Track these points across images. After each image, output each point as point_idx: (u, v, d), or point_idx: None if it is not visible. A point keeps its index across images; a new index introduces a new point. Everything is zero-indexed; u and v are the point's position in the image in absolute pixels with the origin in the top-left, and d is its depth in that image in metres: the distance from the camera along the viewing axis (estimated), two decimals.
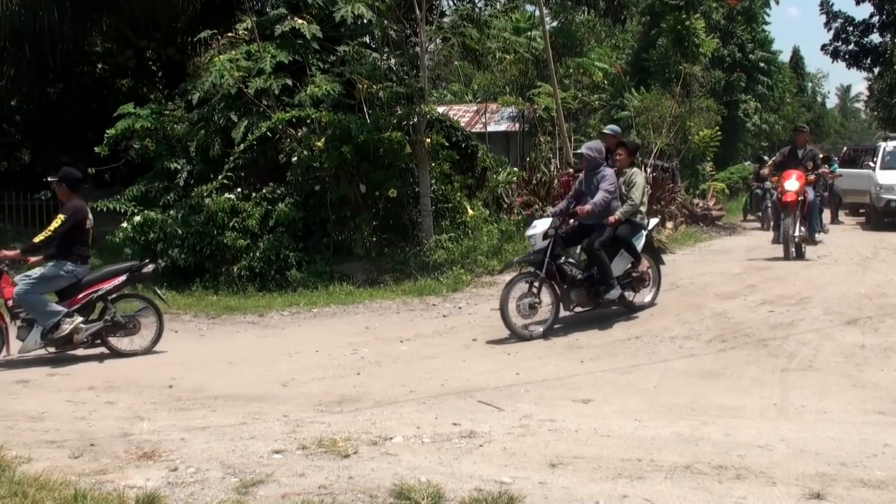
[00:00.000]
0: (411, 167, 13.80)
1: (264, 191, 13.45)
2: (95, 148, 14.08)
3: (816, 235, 14.46)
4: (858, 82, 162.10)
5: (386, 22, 14.00)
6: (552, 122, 18.71)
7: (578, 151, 9.81)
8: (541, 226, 9.11)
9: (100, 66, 20.34)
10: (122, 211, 13.69)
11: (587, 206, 9.08)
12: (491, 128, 22.73)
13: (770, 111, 40.47)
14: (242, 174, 13.70)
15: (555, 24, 21.32)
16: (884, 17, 33.63)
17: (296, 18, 14.20)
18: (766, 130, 39.39)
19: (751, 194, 22.49)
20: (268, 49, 14.07)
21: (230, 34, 14.48)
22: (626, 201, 9.45)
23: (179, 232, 13.18)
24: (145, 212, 13.51)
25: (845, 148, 29.16)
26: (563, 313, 9.30)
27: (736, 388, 6.73)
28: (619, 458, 5.04)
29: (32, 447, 5.58)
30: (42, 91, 18.55)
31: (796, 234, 13.13)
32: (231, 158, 13.64)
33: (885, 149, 20.68)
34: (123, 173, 16.14)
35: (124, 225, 13.43)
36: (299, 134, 13.65)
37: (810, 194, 13.25)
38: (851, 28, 34.62)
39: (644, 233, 9.75)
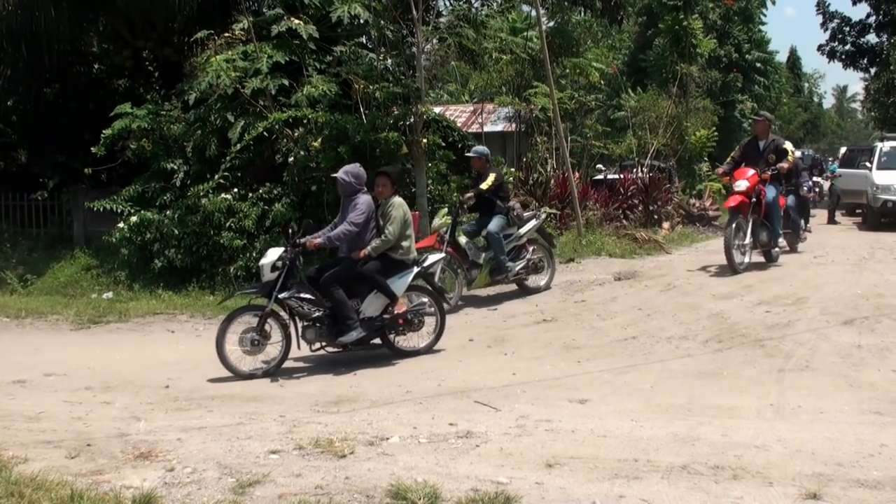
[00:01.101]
0: (408, 167, 13.79)
1: (261, 191, 13.44)
2: (92, 148, 14.06)
3: (798, 235, 14.21)
4: (855, 82, 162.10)
5: (382, 22, 13.99)
6: (549, 123, 18.69)
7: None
8: (271, 255, 8.23)
9: (96, 66, 20.28)
10: (119, 211, 13.69)
11: (317, 240, 8.39)
12: (487, 128, 22.72)
13: (767, 111, 40.51)
14: (239, 174, 13.69)
15: (551, 24, 21.29)
16: (880, 17, 33.67)
17: (292, 19, 14.18)
18: None
19: None
20: (264, 49, 14.06)
21: (227, 34, 14.45)
22: (381, 235, 8.39)
23: (176, 232, 13.17)
24: (142, 212, 13.50)
25: (844, 148, 29.20)
26: (318, 351, 8.41)
27: (732, 388, 6.74)
28: (616, 459, 5.04)
29: (29, 447, 5.57)
30: (39, 91, 18.49)
31: (746, 241, 11.71)
32: (227, 159, 13.62)
33: (881, 149, 20.72)
34: (120, 173, 16.10)
35: (121, 225, 13.44)
36: (296, 134, 13.64)
37: (769, 193, 11.94)
38: (848, 28, 34.66)
39: (411, 272, 8.59)
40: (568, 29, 21.36)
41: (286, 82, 13.94)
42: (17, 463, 5.18)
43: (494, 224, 11.00)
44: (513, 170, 17.52)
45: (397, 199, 8.55)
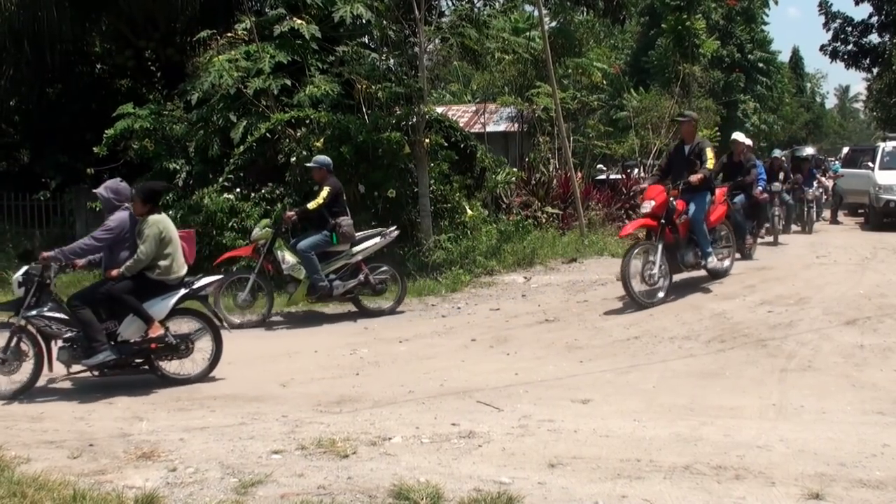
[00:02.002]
0: (410, 167, 13.79)
1: (263, 191, 13.43)
2: (94, 148, 14.07)
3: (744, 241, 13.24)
4: (857, 82, 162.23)
5: (385, 22, 13.99)
6: (551, 123, 18.69)
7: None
8: (20, 271, 7.69)
9: (99, 66, 20.31)
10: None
11: (48, 253, 7.65)
12: (490, 128, 22.71)
13: (769, 111, 40.56)
14: (241, 174, 13.68)
15: (554, 24, 21.28)
16: (882, 17, 33.66)
17: (295, 19, 14.18)
18: (765, 130, 39.45)
19: None
20: (267, 49, 14.06)
21: (229, 34, 14.46)
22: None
23: None
24: None
25: (847, 148, 29.16)
26: (82, 373, 7.76)
27: (735, 388, 6.74)
28: (618, 459, 5.04)
29: (31, 447, 5.58)
30: (41, 91, 18.52)
31: (654, 271, 9.96)
32: (230, 159, 13.62)
33: (883, 149, 20.70)
34: (122, 174, 16.03)
35: None
36: (298, 134, 13.64)
37: (691, 207, 10.40)
38: (850, 28, 34.64)
39: (176, 294, 7.98)
40: (570, 29, 21.35)
41: (288, 82, 13.94)
42: (20, 463, 5.19)
43: (307, 241, 10.57)
44: (515, 170, 17.51)
45: (153, 218, 7.83)
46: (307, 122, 13.60)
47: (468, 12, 15.04)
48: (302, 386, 7.42)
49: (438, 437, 5.59)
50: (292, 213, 10.88)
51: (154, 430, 6.00)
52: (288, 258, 10.65)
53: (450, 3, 17.30)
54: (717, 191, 11.18)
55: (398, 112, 13.86)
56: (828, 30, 35.10)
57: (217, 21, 15.60)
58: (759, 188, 14.31)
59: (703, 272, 11.07)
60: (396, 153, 13.27)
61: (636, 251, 10.00)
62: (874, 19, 34.13)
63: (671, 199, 10.14)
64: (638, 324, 9.32)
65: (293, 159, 13.41)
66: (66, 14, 16.11)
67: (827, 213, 22.02)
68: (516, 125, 22.38)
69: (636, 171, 20.46)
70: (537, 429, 5.72)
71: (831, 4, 34.79)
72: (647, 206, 10.08)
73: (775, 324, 8.89)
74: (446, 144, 14.53)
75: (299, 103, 13.80)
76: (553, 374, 7.41)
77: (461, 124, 18.41)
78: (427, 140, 13.54)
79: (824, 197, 21.96)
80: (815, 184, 19.44)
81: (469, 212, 14.30)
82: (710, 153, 10.37)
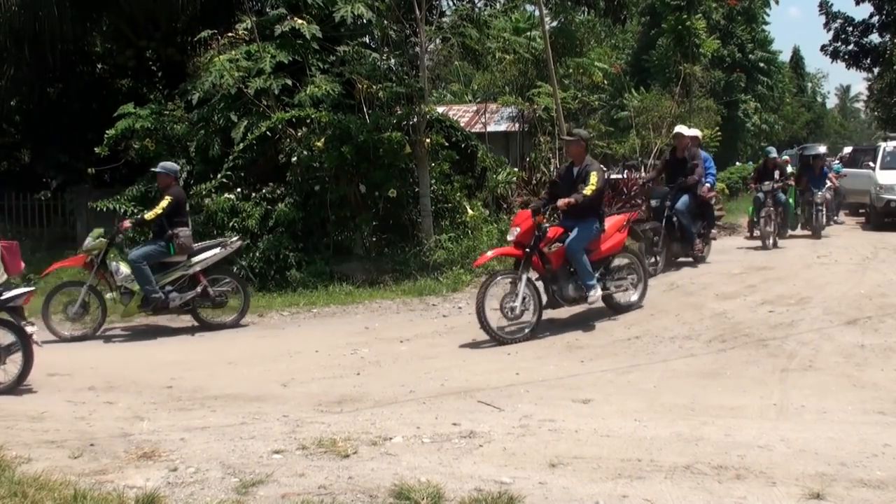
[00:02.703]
0: (411, 167, 13.80)
1: (264, 191, 13.44)
2: (95, 148, 14.09)
3: (692, 245, 12.60)
4: (858, 82, 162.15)
5: (386, 22, 14.00)
6: (552, 122, 18.69)
7: None
8: None
9: (99, 66, 20.32)
10: (123, 211, 13.68)
11: None
12: (491, 128, 22.74)
13: (770, 111, 40.57)
14: (242, 174, 13.69)
15: (554, 24, 21.29)
16: (883, 17, 33.64)
17: (295, 18, 14.20)
18: (765, 130, 39.46)
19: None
20: (268, 49, 14.07)
21: (230, 34, 14.48)
22: None
23: None
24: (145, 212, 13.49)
25: (848, 148, 29.14)
26: None
27: (736, 388, 6.74)
28: (619, 459, 5.04)
29: (32, 447, 5.57)
30: (42, 91, 18.54)
31: (516, 304, 8.84)
32: (231, 158, 13.62)
33: (884, 149, 20.68)
34: (123, 173, 16.14)
35: None
36: (299, 134, 13.65)
37: (573, 234, 9.25)
38: (851, 28, 34.62)
39: None
40: (571, 29, 21.36)
41: (289, 82, 13.95)
42: (21, 463, 5.19)
43: (139, 251, 10.29)
44: (516, 170, 17.51)
45: None
46: (308, 121, 13.61)
47: (469, 12, 15.05)
48: (303, 386, 7.41)
49: (439, 436, 5.59)
50: (128, 222, 10.63)
51: (155, 430, 6.00)
52: (122, 269, 10.25)
53: (451, 3, 17.33)
54: (616, 218, 10.09)
55: (399, 112, 13.87)
56: (828, 30, 35.11)
57: (218, 21, 15.61)
58: (707, 184, 12.95)
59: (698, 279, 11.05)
60: (397, 153, 13.27)
61: (496, 281, 9.02)
62: (875, 19, 34.12)
63: (539, 224, 9.10)
64: (639, 323, 9.32)
65: (294, 159, 13.43)
66: (67, 14, 16.11)
67: (841, 216, 21.04)
68: (517, 125, 22.42)
69: (635, 171, 20.43)
70: (538, 428, 5.71)
71: (832, 4, 34.80)
72: (512, 234, 9.15)
73: (776, 323, 8.89)
74: (447, 144, 14.54)
75: (300, 103, 13.81)
76: (554, 374, 7.41)
77: (462, 124, 18.44)
78: (428, 140, 13.56)
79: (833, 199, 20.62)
80: (825, 185, 17.93)
81: (470, 211, 14.30)
82: (594, 177, 9.14)
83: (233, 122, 13.87)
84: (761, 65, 38.20)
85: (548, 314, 9.38)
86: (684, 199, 12.45)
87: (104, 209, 13.84)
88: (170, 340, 10.15)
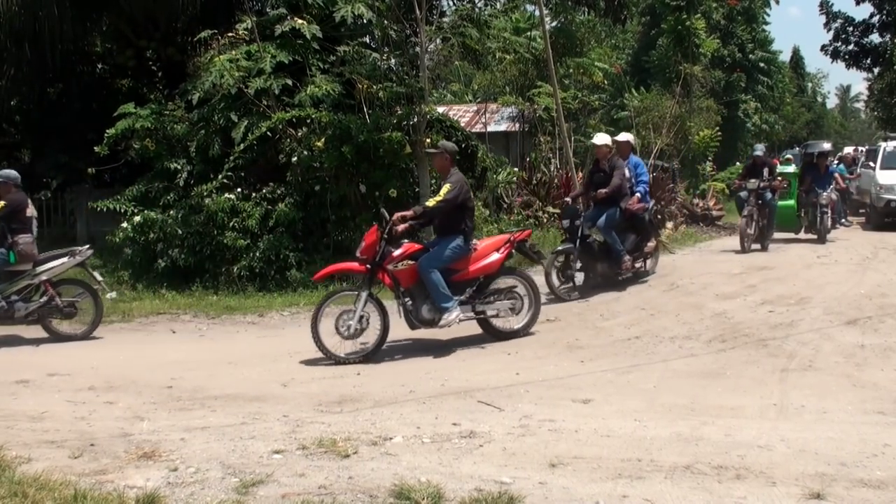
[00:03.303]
0: (411, 167, 13.80)
1: (264, 191, 13.45)
2: (95, 148, 14.07)
3: (620, 262, 11.31)
4: (858, 82, 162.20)
5: (386, 22, 14.00)
6: (552, 122, 18.73)
7: None
8: None
9: (100, 65, 20.31)
10: (122, 211, 13.69)
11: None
12: (491, 128, 22.74)
13: (770, 111, 40.54)
14: (242, 174, 13.69)
15: (555, 23, 21.31)
16: (884, 16, 33.64)
17: (296, 18, 14.19)
18: (766, 130, 39.45)
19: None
20: (268, 49, 14.06)
21: (230, 34, 14.47)
22: None
23: (179, 232, 13.18)
24: (145, 212, 13.50)
25: (849, 148, 29.11)
26: None
27: (736, 388, 6.74)
28: (619, 459, 5.04)
29: (32, 447, 5.57)
30: (42, 91, 18.53)
31: (352, 321, 8.43)
32: (231, 158, 13.62)
33: (885, 149, 20.69)
34: (123, 173, 16.13)
35: (124, 225, 13.44)
36: (299, 134, 13.65)
37: (430, 253, 8.73)
38: (851, 28, 34.64)
39: None
40: (571, 29, 21.39)
41: (289, 82, 13.94)
42: (21, 463, 5.18)
43: None
44: (516, 170, 17.52)
45: None
46: (308, 121, 13.61)
47: (469, 12, 15.05)
48: (303, 385, 7.42)
49: (439, 436, 5.59)
50: None
51: (155, 430, 6.00)
52: None
53: (451, 3, 17.33)
54: (498, 237, 9.47)
55: (399, 112, 13.87)
56: (829, 30, 35.14)
57: (218, 21, 15.60)
58: (638, 194, 11.79)
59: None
60: (397, 153, 13.28)
61: (336, 297, 8.95)
62: (875, 19, 34.13)
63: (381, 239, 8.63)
64: (639, 323, 9.32)
65: (294, 159, 13.43)
66: (67, 14, 16.10)
67: (850, 219, 19.98)
68: (517, 125, 22.43)
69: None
70: (538, 428, 5.71)
71: (832, 4, 34.83)
72: (359, 248, 8.78)
73: (776, 323, 8.89)
74: None
75: (300, 103, 13.80)
76: (554, 374, 7.41)
77: (462, 124, 18.44)
78: (428, 140, 13.55)
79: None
80: (831, 185, 16.82)
81: None
82: (444, 189, 8.64)
83: (233, 122, 13.87)
84: (761, 65, 38.15)
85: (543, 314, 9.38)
86: (609, 214, 11.21)
87: (104, 209, 13.84)
88: (170, 340, 10.15)
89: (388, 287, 8.84)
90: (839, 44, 34.90)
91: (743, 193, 15.25)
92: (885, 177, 19.25)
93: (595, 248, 11.28)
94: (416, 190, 13.67)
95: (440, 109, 18.11)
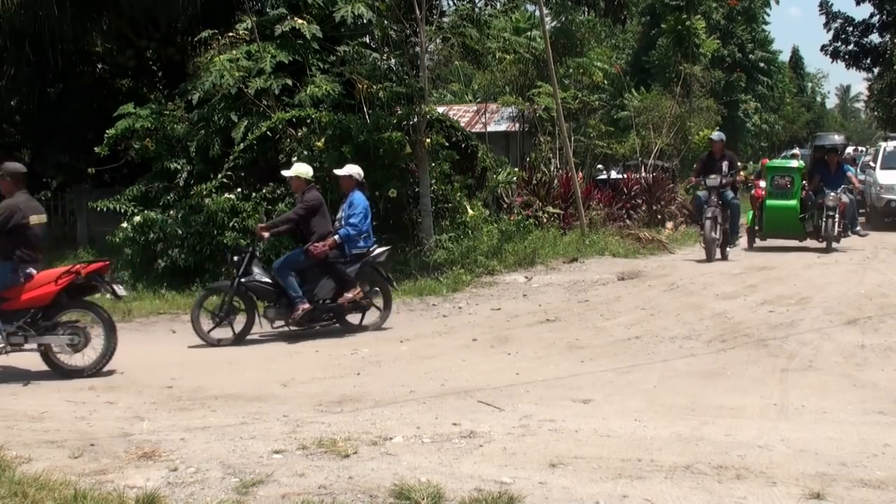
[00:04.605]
0: (411, 167, 13.80)
1: (264, 191, 13.43)
2: (95, 148, 14.06)
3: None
4: (858, 82, 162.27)
5: (386, 22, 14.00)
6: (552, 122, 18.71)
7: None
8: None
9: (100, 65, 20.29)
10: (122, 211, 13.68)
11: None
12: (491, 128, 22.71)
13: (770, 111, 40.58)
14: (242, 174, 13.68)
15: (555, 24, 21.28)
16: (884, 16, 33.60)
17: (296, 18, 14.18)
18: (766, 130, 39.47)
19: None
20: (268, 49, 14.05)
21: (230, 34, 14.45)
22: None
23: (179, 232, 13.17)
24: (145, 212, 13.49)
25: (850, 148, 29.08)
26: None
27: (736, 388, 6.74)
28: (620, 459, 5.04)
29: (32, 447, 5.57)
30: (42, 91, 18.51)
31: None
32: (231, 158, 13.61)
33: (884, 149, 20.69)
34: (123, 173, 16.12)
35: (124, 225, 13.42)
36: (299, 134, 13.64)
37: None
38: (851, 28, 34.58)
39: None
40: (571, 28, 21.35)
41: (290, 82, 13.94)
42: (21, 463, 5.19)
43: None
44: (516, 169, 17.52)
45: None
46: (308, 121, 13.60)
47: (469, 12, 15.04)
48: (303, 385, 7.42)
49: (439, 436, 5.59)
50: None
51: (155, 430, 6.00)
52: None
53: (451, 3, 17.31)
54: (54, 270, 8.38)
55: (399, 112, 13.86)
56: (828, 30, 35.06)
57: (218, 21, 15.60)
58: (336, 238, 9.84)
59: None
60: (397, 153, 13.27)
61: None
62: (875, 19, 34.07)
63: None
64: (639, 323, 9.33)
65: (294, 159, 13.42)
66: (67, 14, 16.09)
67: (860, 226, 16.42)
68: (517, 125, 22.40)
69: (635, 172, 20.45)
70: (538, 428, 5.71)
71: (832, 4, 34.76)
72: None
73: (776, 323, 8.90)
74: (447, 144, 14.52)
75: (300, 103, 13.80)
76: (554, 374, 7.41)
77: (462, 124, 18.42)
78: (428, 140, 13.55)
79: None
80: (842, 186, 14.87)
81: (470, 211, 14.30)
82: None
83: (233, 122, 13.86)
84: (761, 65, 38.20)
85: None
86: (291, 253, 10.28)
87: (104, 209, 13.84)
88: (170, 341, 10.14)
89: None
90: (839, 44, 34.85)
91: (702, 192, 13.82)
92: (885, 177, 19.26)
93: (261, 288, 9.83)
94: (416, 190, 13.67)
95: (440, 109, 18.10)
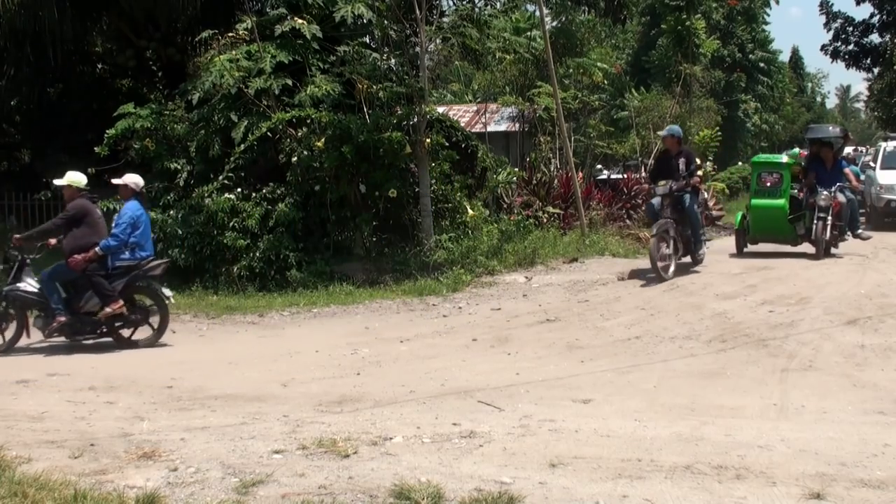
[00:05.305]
0: (411, 167, 13.80)
1: (264, 191, 13.44)
2: (95, 148, 14.04)
3: None
4: (858, 82, 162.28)
5: (386, 22, 14.00)
6: (552, 122, 18.71)
7: None
8: None
9: (100, 65, 20.31)
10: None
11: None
12: (491, 128, 22.72)
13: (770, 111, 40.58)
14: (242, 174, 13.68)
15: (555, 24, 21.30)
16: (884, 16, 33.59)
17: (296, 18, 14.18)
18: (766, 130, 39.48)
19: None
20: (268, 49, 14.05)
21: (230, 34, 14.45)
22: None
23: (179, 232, 13.17)
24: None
25: (850, 148, 29.05)
26: None
27: (736, 388, 6.74)
28: (619, 459, 5.04)
29: (32, 447, 5.58)
30: (42, 91, 18.52)
31: None
32: (231, 158, 13.61)
33: (884, 149, 20.69)
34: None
35: None
36: (299, 134, 13.64)
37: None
38: (851, 28, 34.57)
39: None
40: (571, 29, 21.37)
41: (290, 82, 13.93)
42: (21, 463, 5.19)
43: None
44: (516, 169, 17.51)
45: None
46: (308, 121, 13.60)
47: (469, 12, 15.04)
48: (303, 385, 7.41)
49: (439, 436, 5.59)
50: None
51: (155, 430, 6.00)
52: None
53: (451, 3, 17.32)
54: None
55: (399, 112, 13.86)
56: (828, 30, 35.04)
57: (218, 21, 15.60)
58: (97, 249, 9.40)
59: None
60: (397, 153, 13.27)
61: None
62: (875, 19, 34.06)
63: None
64: (639, 323, 9.32)
65: (294, 159, 13.43)
66: (68, 14, 16.09)
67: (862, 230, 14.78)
68: (517, 125, 22.42)
69: (635, 171, 20.44)
70: (538, 428, 5.71)
71: (832, 4, 34.75)
72: None
73: (776, 323, 8.89)
74: (447, 144, 14.53)
75: (300, 103, 13.80)
76: (554, 374, 7.41)
77: (462, 124, 18.43)
78: (428, 140, 13.55)
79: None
80: (838, 184, 13.55)
81: (470, 211, 14.30)
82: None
83: (233, 122, 13.85)
84: (761, 65, 38.20)
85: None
86: (59, 265, 9.68)
87: (104, 209, 13.82)
88: (170, 341, 10.14)
89: None
90: (839, 44, 34.83)
91: (654, 201, 11.97)
92: (885, 177, 19.26)
93: (24, 297, 9.56)
94: (416, 190, 13.66)
95: (440, 109, 18.11)
